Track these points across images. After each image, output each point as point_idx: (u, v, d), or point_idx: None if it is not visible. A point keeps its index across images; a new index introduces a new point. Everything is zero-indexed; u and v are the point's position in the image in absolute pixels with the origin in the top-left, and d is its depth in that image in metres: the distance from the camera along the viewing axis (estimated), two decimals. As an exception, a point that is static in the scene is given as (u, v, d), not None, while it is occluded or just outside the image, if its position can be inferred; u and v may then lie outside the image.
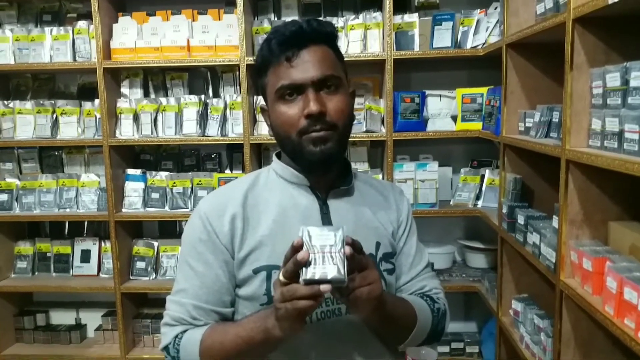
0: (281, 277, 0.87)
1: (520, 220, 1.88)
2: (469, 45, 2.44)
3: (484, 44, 2.41)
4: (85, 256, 2.78)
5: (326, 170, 1.08)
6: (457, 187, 2.60)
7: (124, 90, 2.67)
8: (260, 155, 2.70)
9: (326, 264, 0.83)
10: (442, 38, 2.46)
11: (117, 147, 2.59)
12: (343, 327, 1.05)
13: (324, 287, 0.82)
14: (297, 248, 0.85)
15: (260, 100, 2.54)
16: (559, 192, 1.51)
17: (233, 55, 2.47)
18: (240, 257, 1.05)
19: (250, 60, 2.43)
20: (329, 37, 1.06)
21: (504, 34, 2.03)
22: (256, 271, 1.04)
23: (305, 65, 1.00)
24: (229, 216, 1.05)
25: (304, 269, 0.83)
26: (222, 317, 1.07)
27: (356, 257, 0.88)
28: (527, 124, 1.95)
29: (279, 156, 1.15)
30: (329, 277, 0.82)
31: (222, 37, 2.50)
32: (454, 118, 2.52)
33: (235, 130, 2.56)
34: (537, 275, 2.05)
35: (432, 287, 1.20)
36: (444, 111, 2.51)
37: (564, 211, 1.50)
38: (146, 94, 2.71)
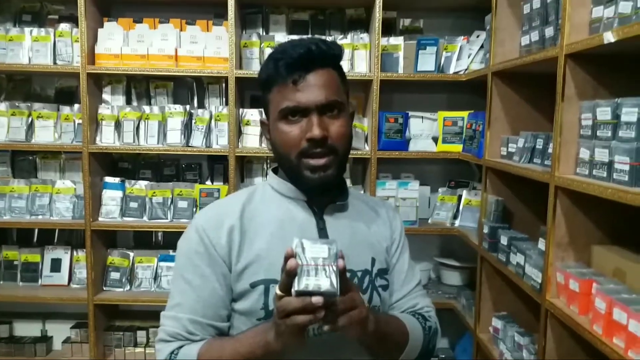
0: (277, 291, 0.87)
1: (503, 240, 1.96)
2: (452, 70, 2.53)
3: (466, 69, 2.51)
4: (56, 265, 2.69)
5: (324, 193, 1.10)
6: (435, 206, 2.68)
7: (106, 96, 2.62)
8: (243, 167, 2.70)
9: (319, 276, 0.83)
10: (426, 62, 2.55)
11: (96, 154, 2.53)
12: (338, 342, 1.05)
13: (316, 299, 0.82)
14: (288, 259, 0.86)
15: (245, 114, 2.56)
16: (547, 216, 1.59)
17: (222, 67, 2.47)
18: (238, 270, 1.05)
19: (240, 73, 2.44)
20: (335, 59, 1.08)
21: (490, 62, 2.13)
22: (253, 285, 1.04)
23: (311, 89, 1.02)
24: (226, 228, 1.06)
25: (296, 280, 0.83)
26: (219, 332, 1.07)
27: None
28: (509, 149, 2.05)
29: (275, 171, 1.17)
30: (322, 289, 0.82)
31: (210, 48, 2.50)
32: (435, 139, 2.61)
33: (220, 141, 2.55)
34: (516, 294, 2.15)
35: (424, 305, 1.22)
36: (425, 132, 2.60)
37: (551, 234, 1.58)
38: (128, 101, 2.66)
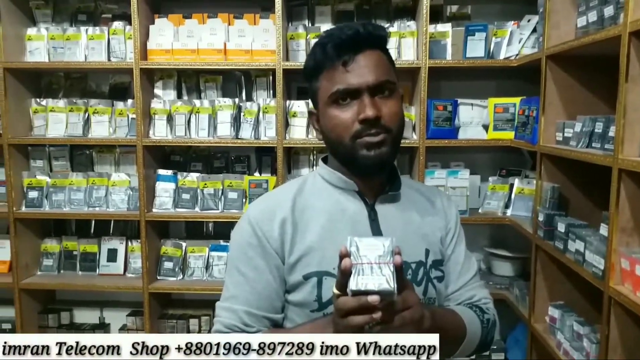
0: (335, 290, 0.86)
1: (561, 228, 1.91)
2: (502, 56, 2.48)
3: (517, 55, 2.45)
4: (112, 255, 2.79)
5: (379, 174, 1.08)
6: (486, 195, 2.64)
7: (158, 91, 2.69)
8: (290, 159, 2.73)
9: (374, 275, 0.80)
10: (475, 48, 2.50)
11: (149, 147, 2.61)
12: None
13: (372, 298, 0.79)
14: (342, 258, 0.83)
15: (292, 105, 2.58)
16: (610, 201, 1.54)
17: (269, 59, 2.50)
18: (290, 263, 1.05)
19: (287, 65, 2.46)
20: (382, 42, 1.07)
21: (544, 46, 2.07)
22: (307, 277, 1.03)
23: (361, 70, 1.00)
24: (278, 221, 1.05)
25: (351, 279, 0.80)
26: (274, 323, 1.07)
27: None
28: (566, 134, 1.99)
29: (325, 161, 1.15)
30: (378, 288, 0.79)
31: (258, 41, 2.53)
32: (485, 127, 2.56)
33: (268, 133, 2.58)
34: (573, 283, 2.09)
35: (482, 297, 1.19)
36: (475, 120, 2.55)
37: (614, 219, 1.53)
38: (179, 96, 2.73)
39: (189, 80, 2.73)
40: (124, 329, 2.83)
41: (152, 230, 2.68)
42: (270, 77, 2.64)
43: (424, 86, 2.42)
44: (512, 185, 2.58)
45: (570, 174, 2.09)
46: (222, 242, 2.74)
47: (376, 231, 1.07)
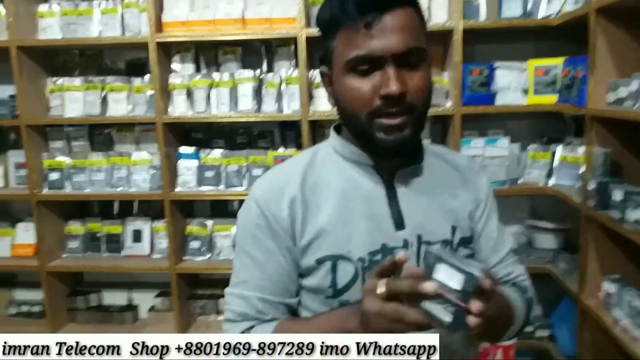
0: (382, 289, 0.73)
1: (616, 196, 1.75)
2: (540, 14, 2.28)
3: (558, 12, 2.25)
4: (137, 236, 2.73)
5: (397, 156, 0.95)
6: (526, 164, 2.47)
7: (175, 66, 2.57)
8: (315, 133, 2.59)
9: (443, 307, 0.69)
10: (511, 8, 2.30)
11: (170, 125, 2.51)
12: None
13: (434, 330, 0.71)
14: (400, 264, 0.74)
15: (315, 76, 2.44)
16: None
17: (290, 27, 2.35)
18: (302, 245, 0.94)
19: (310, 32, 2.31)
20: None
21: (593, -2, 1.87)
22: (320, 261, 0.94)
23: (387, 34, 0.84)
24: (287, 200, 0.95)
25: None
26: (289, 309, 0.98)
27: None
28: (619, 95, 1.82)
29: (337, 130, 1.02)
30: (443, 324, 0.69)
31: (277, 9, 2.38)
32: (524, 91, 2.38)
33: (292, 106, 2.45)
34: (628, 255, 1.94)
35: (519, 274, 1.08)
36: (513, 84, 2.37)
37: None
38: (197, 70, 2.61)
39: (207, 53, 2.60)
40: (152, 309, 2.79)
41: (177, 209, 2.60)
42: (292, 47, 2.50)
43: (458, 50, 2.25)
44: (554, 153, 2.41)
45: (623, 138, 1.92)
46: (248, 221, 2.65)
47: (395, 209, 0.95)
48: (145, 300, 2.87)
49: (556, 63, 2.28)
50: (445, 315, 0.68)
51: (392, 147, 0.89)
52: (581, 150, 2.29)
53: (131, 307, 2.85)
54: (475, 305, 0.68)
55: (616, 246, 1.94)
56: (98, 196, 2.66)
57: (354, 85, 0.88)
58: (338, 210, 0.94)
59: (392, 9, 0.85)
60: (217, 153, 2.59)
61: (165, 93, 2.49)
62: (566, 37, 2.37)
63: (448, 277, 0.69)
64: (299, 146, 2.61)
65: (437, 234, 0.97)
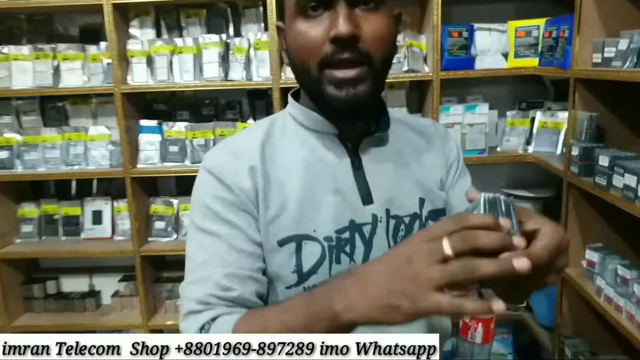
0: (450, 249, 0.57)
1: (603, 162, 1.68)
2: (522, -29, 2.18)
3: (540, -31, 2.15)
4: (97, 217, 2.54)
5: (355, 118, 0.85)
6: (505, 131, 2.40)
7: (134, 31, 2.37)
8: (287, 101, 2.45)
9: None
10: (492, -36, 2.20)
11: (129, 96, 2.32)
12: None
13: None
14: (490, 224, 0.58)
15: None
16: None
17: (258, -14, 2.19)
18: (264, 223, 0.82)
19: (280, -9, 2.15)
20: None
21: (580, -49, 1.78)
22: (282, 243, 0.82)
23: None
24: (246, 169, 0.82)
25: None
26: (259, 290, 0.81)
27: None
28: (606, 54, 1.73)
29: (296, 97, 0.90)
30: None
31: (244, -34, 2.21)
32: (504, 55, 2.28)
33: (261, 73, 2.29)
34: (611, 223, 1.89)
35: None
36: (494, 46, 2.27)
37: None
38: (158, 35, 2.41)
39: (169, 17, 2.40)
40: (116, 295, 2.62)
41: (139, 187, 2.42)
42: (261, 8, 2.33)
43: (437, 9, 2.13)
44: (533, 119, 2.34)
45: (608, 101, 1.85)
46: (217, 198, 2.50)
47: (361, 182, 0.86)
48: (108, 285, 2.69)
49: (538, 24, 2.19)
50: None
51: (344, 104, 0.78)
52: (561, 115, 2.23)
53: (93, 294, 2.67)
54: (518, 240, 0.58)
55: (599, 214, 1.89)
56: (53, 175, 2.45)
57: (302, 30, 0.77)
58: (301, 185, 0.84)
59: None
60: (181, 126, 2.42)
61: (123, 61, 2.29)
62: (545, -3, 2.29)
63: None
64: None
65: (405, 207, 0.88)
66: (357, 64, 0.76)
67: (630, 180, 1.53)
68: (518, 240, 0.58)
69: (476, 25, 2.25)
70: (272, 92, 2.25)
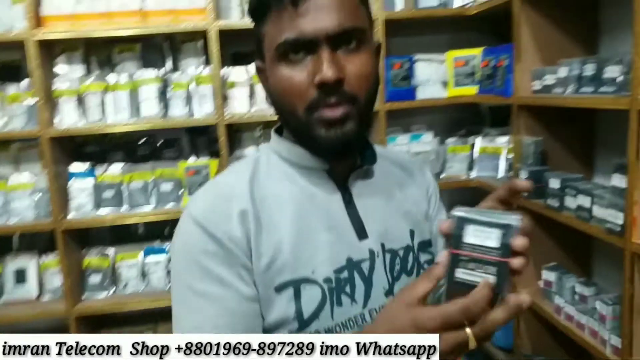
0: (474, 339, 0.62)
1: (554, 184, 1.75)
2: (456, 4, 2.28)
3: (472, 2, 2.26)
4: (20, 276, 2.26)
5: (345, 156, 0.83)
6: (447, 158, 2.46)
7: (60, 68, 2.18)
8: (231, 138, 2.35)
9: (478, 273, 0.62)
10: (426, -2, 2.28)
11: (57, 139, 2.11)
12: None
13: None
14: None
15: (229, 74, 2.21)
16: (629, 147, 1.39)
17: (199, 19, 2.10)
18: (259, 271, 0.77)
19: (223, 25, 2.08)
20: None
21: (515, -14, 1.88)
22: (280, 289, 0.77)
23: (318, 13, 0.73)
24: (236, 215, 0.77)
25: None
26: None
27: None
28: (545, 82, 1.83)
29: (279, 131, 0.88)
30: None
31: (182, -1, 2.11)
32: (444, 84, 2.36)
33: (204, 109, 2.19)
34: (562, 243, 1.97)
35: None
36: (433, 76, 2.34)
37: (634, 167, 1.38)
38: (88, 72, 2.23)
39: (100, 52, 2.24)
40: (46, 361, 2.33)
41: (71, 239, 2.20)
42: (201, 41, 2.24)
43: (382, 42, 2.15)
44: (473, 145, 2.42)
45: (549, 126, 1.95)
46: (157, 244, 2.33)
47: (354, 216, 0.83)
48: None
49: (475, 53, 2.28)
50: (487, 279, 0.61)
51: (334, 144, 0.77)
52: (500, 140, 2.32)
53: (18, 362, 2.36)
54: (520, 242, 0.61)
55: (550, 235, 1.96)
56: (-34, 231, 2.16)
57: (286, 75, 0.76)
58: (295, 225, 0.79)
59: None
60: (116, 169, 2.24)
61: (49, 101, 2.09)
62: (481, 27, 2.40)
63: (481, 237, 0.62)
64: (215, 154, 2.35)
65: (399, 239, 0.87)
66: (343, 104, 0.75)
67: (584, 200, 1.60)
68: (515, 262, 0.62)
69: (416, 56, 2.31)
70: (217, 127, 2.15)
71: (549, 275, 1.88)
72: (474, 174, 2.39)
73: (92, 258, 2.28)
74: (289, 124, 0.82)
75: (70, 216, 2.17)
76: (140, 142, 2.37)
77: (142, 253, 2.30)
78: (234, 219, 0.76)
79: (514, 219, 0.61)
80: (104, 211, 2.21)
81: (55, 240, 2.12)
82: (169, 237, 2.41)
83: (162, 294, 2.24)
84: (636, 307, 1.44)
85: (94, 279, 2.27)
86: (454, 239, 0.62)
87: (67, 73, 2.17)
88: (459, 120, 2.57)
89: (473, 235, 0.62)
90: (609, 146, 1.91)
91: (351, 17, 0.75)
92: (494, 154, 2.35)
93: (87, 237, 2.40)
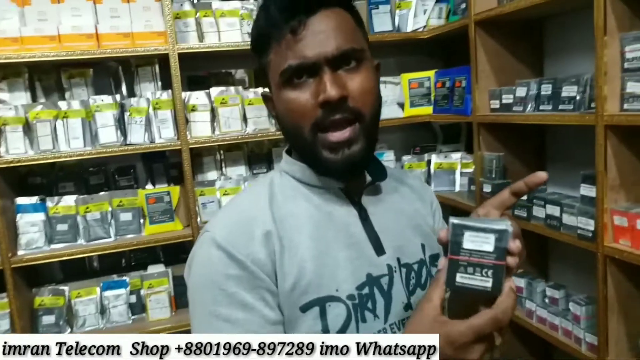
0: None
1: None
2: (409, 28, 2.38)
3: (424, 26, 2.37)
4: (-40, 324, 2.04)
5: (353, 176, 0.86)
6: (405, 175, 2.54)
7: (2, 95, 2.01)
8: (193, 162, 2.28)
9: (476, 276, 0.66)
10: (382, 22, 2.36)
11: (3, 171, 1.94)
12: None
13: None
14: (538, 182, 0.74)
15: (189, 98, 2.15)
16: (596, 159, 1.51)
17: (157, 43, 2.03)
18: (284, 292, 0.78)
19: (184, 48, 2.02)
20: None
21: (471, 12, 2.00)
22: (305, 309, 0.78)
23: (317, 38, 0.77)
24: (260, 237, 0.78)
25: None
26: None
27: None
28: (504, 101, 1.96)
29: (290, 153, 0.91)
30: (487, 289, 0.66)
31: (138, 22, 2.03)
32: (400, 105, 2.44)
33: (164, 134, 2.11)
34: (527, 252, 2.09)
35: None
36: (390, 98, 2.42)
37: (603, 177, 1.50)
38: (33, 99, 2.08)
39: (46, 78, 2.09)
40: (-9, 417, 2.11)
41: (20, 278, 2.01)
42: (157, 66, 2.16)
43: (342, 64, 2.19)
44: (429, 162, 2.52)
45: (506, 142, 2.07)
46: (115, 277, 2.19)
47: (371, 232, 0.86)
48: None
49: (428, 75, 2.39)
50: (484, 282, 0.66)
51: (340, 167, 0.80)
52: (454, 156, 2.44)
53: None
54: (515, 245, 0.65)
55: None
56: None
57: (291, 98, 0.79)
58: (315, 244, 0.81)
59: (318, 10, 0.78)
60: (69, 200, 2.09)
61: (-8, 130, 1.92)
62: (429, 52, 2.52)
63: (478, 242, 0.66)
64: (172, 180, 2.27)
65: (413, 254, 0.90)
66: (348, 123, 0.78)
67: (554, 210, 1.72)
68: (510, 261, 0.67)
69: (374, 78, 2.37)
70: (181, 153, 2.07)
71: (518, 282, 1.98)
72: (432, 189, 2.48)
73: (44, 297, 2.10)
74: (296, 147, 0.85)
75: (20, 253, 1.99)
76: (91, 171, 2.23)
77: (99, 288, 2.16)
78: (257, 241, 0.77)
79: (507, 225, 0.65)
80: (59, 245, 2.05)
81: (5, 279, 1.93)
82: (127, 268, 2.28)
83: (124, 327, 2.11)
84: (610, 306, 1.56)
85: (48, 319, 2.09)
86: (452, 245, 0.66)
87: (9, 100, 2.00)
88: (413, 138, 2.67)
89: (470, 241, 0.66)
90: (557, 159, 2.07)
91: (347, 40, 0.78)
92: (450, 169, 2.46)
93: (37, 274, 2.21)
